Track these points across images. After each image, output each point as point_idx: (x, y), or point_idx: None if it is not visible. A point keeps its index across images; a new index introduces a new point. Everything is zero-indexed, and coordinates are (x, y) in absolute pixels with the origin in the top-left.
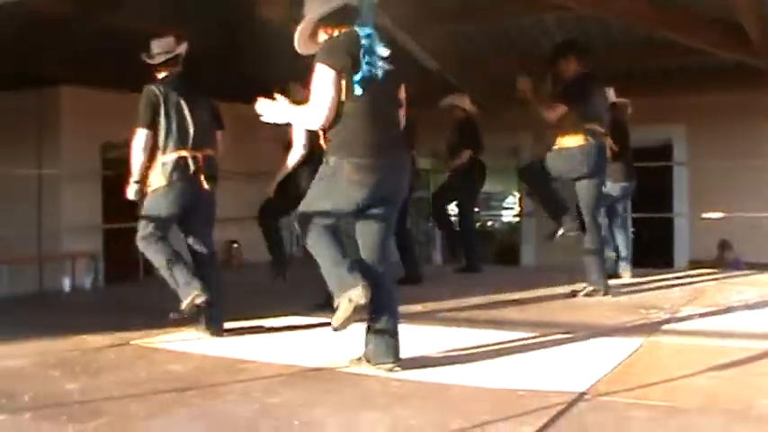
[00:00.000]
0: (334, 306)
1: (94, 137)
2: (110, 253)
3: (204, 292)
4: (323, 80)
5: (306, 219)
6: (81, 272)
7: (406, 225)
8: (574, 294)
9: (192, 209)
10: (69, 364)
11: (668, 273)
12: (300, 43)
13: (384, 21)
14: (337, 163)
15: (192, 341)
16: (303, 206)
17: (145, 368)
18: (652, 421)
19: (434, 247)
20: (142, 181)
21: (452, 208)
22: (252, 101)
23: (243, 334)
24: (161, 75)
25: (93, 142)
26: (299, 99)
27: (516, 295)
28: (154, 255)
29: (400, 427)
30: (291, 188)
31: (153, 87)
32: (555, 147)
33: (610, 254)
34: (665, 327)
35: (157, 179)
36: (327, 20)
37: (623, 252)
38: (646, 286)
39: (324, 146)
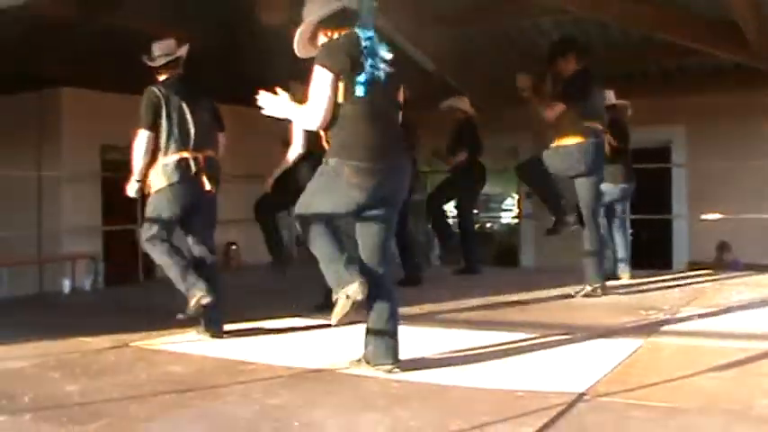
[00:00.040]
0: (333, 302)
1: (94, 138)
2: (109, 254)
3: (209, 293)
4: (320, 82)
5: (305, 214)
6: (81, 273)
7: (406, 226)
8: (572, 296)
9: (193, 210)
10: (69, 365)
11: (667, 274)
12: (300, 46)
13: (383, 23)
14: (337, 165)
15: (192, 343)
16: (302, 201)
17: (145, 370)
18: (652, 422)
19: (432, 249)
20: (143, 180)
21: (451, 210)
22: (251, 102)
23: (243, 335)
24: (162, 77)
25: (93, 144)
26: (300, 97)
27: (515, 296)
28: (159, 256)
29: (400, 429)
30: (290, 183)
31: (154, 89)
32: (553, 144)
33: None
34: (665, 327)
35: (159, 180)
36: (327, 22)
37: (622, 253)
38: (645, 287)
39: (325, 146)
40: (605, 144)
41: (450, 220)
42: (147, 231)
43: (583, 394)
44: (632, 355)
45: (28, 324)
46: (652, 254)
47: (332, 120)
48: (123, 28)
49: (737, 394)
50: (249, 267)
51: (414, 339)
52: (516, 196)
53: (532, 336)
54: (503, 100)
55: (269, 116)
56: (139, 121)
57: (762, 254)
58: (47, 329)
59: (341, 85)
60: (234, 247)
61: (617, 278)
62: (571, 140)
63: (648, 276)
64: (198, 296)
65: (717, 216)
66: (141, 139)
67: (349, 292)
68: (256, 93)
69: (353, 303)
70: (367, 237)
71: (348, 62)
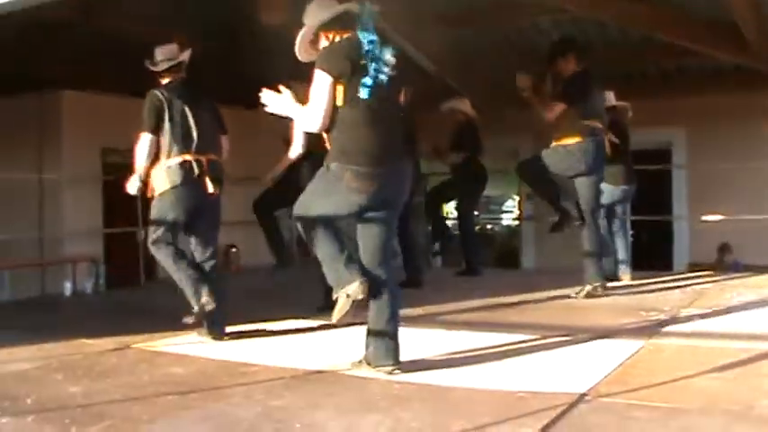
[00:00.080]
0: (333, 301)
1: (95, 141)
2: (110, 257)
3: (214, 296)
4: (320, 85)
5: (305, 215)
6: (82, 276)
7: (408, 228)
8: (572, 297)
9: (197, 212)
10: (72, 367)
11: (668, 275)
12: (301, 50)
13: (383, 24)
14: (338, 169)
15: (193, 344)
16: (302, 201)
17: (147, 371)
18: (653, 422)
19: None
20: (144, 181)
21: (452, 211)
22: (250, 104)
23: (244, 337)
24: (164, 81)
25: (93, 147)
26: (301, 97)
27: (516, 298)
28: (165, 258)
29: (401, 430)
30: (291, 181)
31: (157, 92)
32: (553, 143)
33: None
34: (666, 328)
35: (162, 183)
36: (328, 26)
37: (622, 255)
38: (645, 288)
39: (327, 147)
40: (606, 143)
41: (451, 222)
42: (152, 234)
43: (584, 395)
44: (633, 355)
45: (30, 326)
46: (653, 255)
47: (331, 123)
48: (124, 31)
49: (738, 395)
50: (249, 269)
51: (415, 341)
52: (517, 198)
53: (533, 337)
54: (503, 101)
55: (271, 114)
56: (142, 125)
57: (762, 255)
58: (49, 332)
59: (340, 89)
60: (234, 249)
61: (618, 279)
62: (571, 140)
63: (649, 278)
64: (203, 299)
65: (717, 217)
66: (144, 142)
67: (349, 291)
68: (256, 94)
69: (353, 302)
70: (368, 238)
71: (348, 66)
